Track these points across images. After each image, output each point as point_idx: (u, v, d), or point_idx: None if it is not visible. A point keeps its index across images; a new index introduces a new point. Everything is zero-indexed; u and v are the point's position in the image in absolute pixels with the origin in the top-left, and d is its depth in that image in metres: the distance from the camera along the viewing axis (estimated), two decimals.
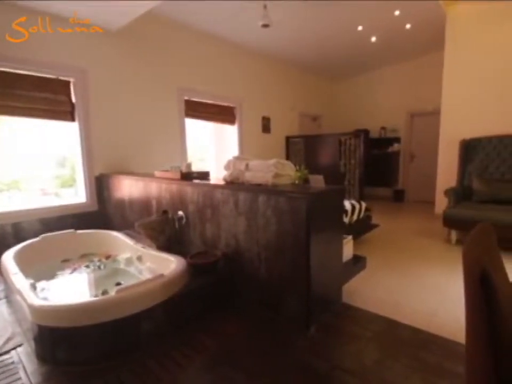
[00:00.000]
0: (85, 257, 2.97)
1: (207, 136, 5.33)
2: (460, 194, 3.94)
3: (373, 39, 5.03)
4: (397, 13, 4.26)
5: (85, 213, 3.52)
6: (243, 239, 2.24)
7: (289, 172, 2.32)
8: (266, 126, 5.78)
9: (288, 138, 6.25)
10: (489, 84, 4.41)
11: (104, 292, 2.24)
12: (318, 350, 1.77)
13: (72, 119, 3.40)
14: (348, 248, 2.64)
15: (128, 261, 2.69)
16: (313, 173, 2.27)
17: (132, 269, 2.66)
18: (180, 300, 2.00)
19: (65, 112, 3.35)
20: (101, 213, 3.66)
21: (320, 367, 1.64)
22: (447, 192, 3.93)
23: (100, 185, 3.62)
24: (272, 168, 2.23)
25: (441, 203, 4.54)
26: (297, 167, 2.47)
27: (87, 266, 2.78)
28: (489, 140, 4.11)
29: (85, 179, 3.53)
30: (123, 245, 2.92)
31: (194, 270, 2.25)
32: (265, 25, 3.60)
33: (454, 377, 1.54)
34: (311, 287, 1.91)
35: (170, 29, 4.15)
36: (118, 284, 2.39)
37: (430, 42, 5.30)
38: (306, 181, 2.27)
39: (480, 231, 1.02)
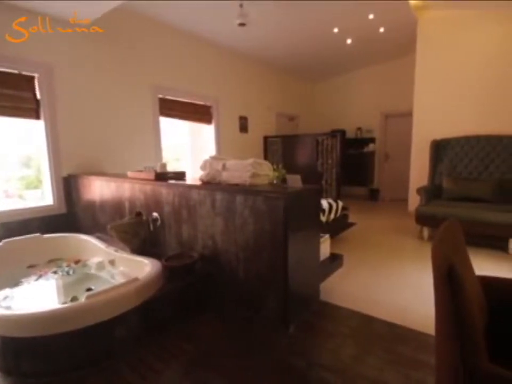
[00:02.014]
0: (52, 262, 2.82)
1: (183, 136, 5.22)
2: (431, 192, 4.09)
3: (349, 41, 5.13)
4: (371, 16, 4.36)
5: (52, 216, 3.33)
6: (221, 240, 2.22)
7: (267, 172, 2.31)
8: (243, 125, 5.75)
9: (266, 138, 6.26)
10: (457, 87, 4.62)
11: (74, 299, 2.15)
12: (297, 349, 1.79)
13: (37, 117, 3.21)
14: (325, 247, 2.67)
15: (100, 266, 2.57)
16: (291, 172, 2.27)
17: (103, 274, 2.55)
18: (155, 303, 1.96)
19: (30, 110, 3.15)
20: (70, 215, 3.48)
21: (299, 365, 1.65)
22: (419, 191, 4.07)
23: (68, 186, 3.45)
24: (249, 168, 2.21)
25: (414, 201, 4.70)
26: (275, 167, 2.47)
27: (55, 272, 2.63)
28: (457, 140, 4.30)
29: (52, 180, 3.34)
30: (94, 248, 2.79)
31: (170, 273, 2.21)
32: (242, 24, 3.57)
33: (427, 368, 1.59)
34: (289, 286, 1.92)
35: (144, 25, 4.02)
36: (89, 289, 2.30)
37: (402, 45, 5.48)
38: (284, 180, 2.27)
39: (447, 228, 1.06)
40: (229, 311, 2.19)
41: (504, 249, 3.30)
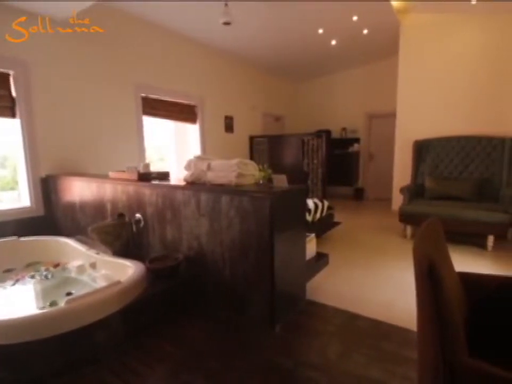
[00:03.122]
0: (30, 266, 2.71)
1: (168, 135, 5.14)
2: (414, 191, 4.18)
3: (333, 42, 5.18)
4: (355, 18, 4.42)
5: (30, 219, 3.20)
6: (206, 241, 2.20)
7: (253, 172, 2.29)
8: (229, 125, 5.72)
9: (252, 138, 6.25)
10: (439, 89, 4.74)
11: (53, 304, 2.08)
12: (283, 348, 1.79)
13: (13, 115, 3.08)
14: (311, 246, 2.68)
15: (80, 269, 2.49)
16: (277, 172, 2.28)
17: (84, 277, 2.47)
18: (139, 306, 1.92)
19: (4, 108, 3.02)
20: (48, 218, 3.36)
21: (286, 365, 1.66)
22: (402, 190, 4.15)
23: (46, 187, 3.32)
24: (235, 168, 2.19)
25: (397, 200, 4.80)
26: (261, 167, 2.46)
27: (33, 277, 2.53)
28: (439, 141, 4.41)
29: (29, 181, 3.21)
30: (74, 251, 2.70)
31: (154, 275, 2.18)
32: (227, 23, 3.54)
33: (410, 363, 1.62)
34: (276, 286, 1.92)
35: (127, 22, 3.92)
36: (69, 293, 2.23)
37: (386, 47, 5.58)
38: (270, 180, 2.27)
39: (428, 226, 1.09)
40: (214, 313, 2.16)
41: (483, 246, 3.41)
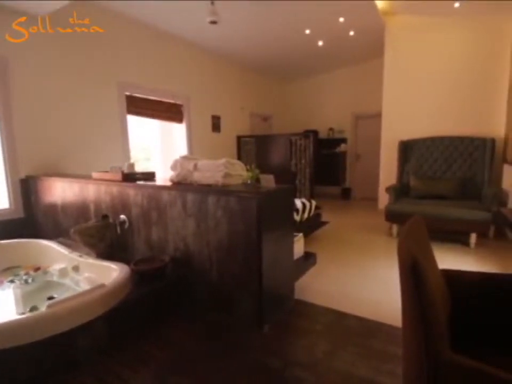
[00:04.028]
0: (9, 270, 2.62)
1: (153, 135, 5.06)
2: (399, 191, 4.25)
3: (320, 43, 5.22)
4: (341, 19, 4.46)
5: (8, 221, 3.08)
6: (193, 242, 2.17)
7: (240, 172, 2.28)
8: (216, 125, 5.68)
9: (239, 138, 6.22)
10: (423, 90, 4.84)
11: (33, 309, 2.01)
12: (272, 348, 1.79)
13: None
14: (299, 246, 2.68)
15: (63, 272, 2.42)
16: (265, 172, 2.27)
17: (67, 281, 2.40)
18: (124, 310, 1.88)
19: None
20: (29, 220, 3.25)
21: (274, 365, 1.65)
22: (388, 189, 4.21)
23: (26, 188, 3.21)
24: (221, 168, 2.17)
25: (383, 199, 4.87)
26: (249, 167, 2.45)
27: (12, 281, 2.44)
28: (423, 141, 4.50)
29: (8, 182, 3.09)
30: (56, 254, 2.62)
31: (140, 277, 2.13)
32: (213, 22, 3.52)
33: (396, 360, 1.64)
34: (264, 286, 1.91)
35: (110, 19, 3.83)
36: (50, 298, 2.16)
37: (372, 49, 5.65)
38: (258, 180, 2.26)
39: (412, 224, 1.11)
40: (202, 314, 2.14)
41: (466, 243, 3.49)
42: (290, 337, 1.92)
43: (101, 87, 3.81)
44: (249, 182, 2.29)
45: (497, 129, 4.23)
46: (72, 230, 2.42)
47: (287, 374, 1.59)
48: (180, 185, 2.28)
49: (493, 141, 4.00)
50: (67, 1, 2.86)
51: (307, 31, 4.77)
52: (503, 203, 3.62)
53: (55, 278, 2.47)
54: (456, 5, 3.96)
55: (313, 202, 3.82)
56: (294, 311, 2.19)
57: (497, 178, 4.16)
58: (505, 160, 3.91)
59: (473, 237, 3.44)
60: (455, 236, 3.67)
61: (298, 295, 2.35)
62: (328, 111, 7.12)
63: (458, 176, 4.14)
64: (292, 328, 2.00)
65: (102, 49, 3.79)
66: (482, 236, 3.54)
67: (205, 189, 2.08)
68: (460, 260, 3.09)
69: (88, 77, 3.67)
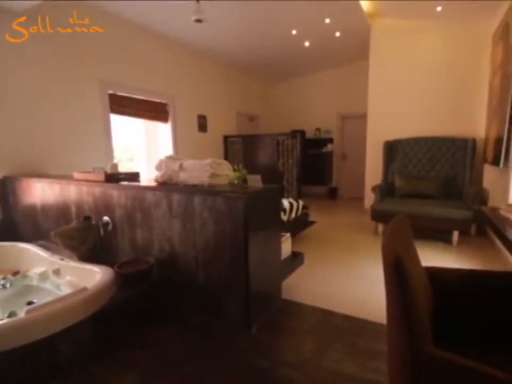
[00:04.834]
0: None
1: (138, 135, 4.97)
2: (385, 190, 4.31)
3: (307, 43, 5.24)
4: (327, 21, 4.49)
5: None
6: (179, 243, 2.14)
7: (227, 172, 2.26)
8: (202, 124, 5.62)
9: (226, 138, 6.19)
10: (407, 91, 4.93)
11: (12, 314, 1.92)
12: (260, 349, 1.79)
13: None
14: (286, 246, 2.68)
15: (43, 276, 2.34)
16: (252, 172, 2.26)
17: (47, 285, 2.32)
18: (108, 313, 1.84)
19: None
20: (6, 222, 3.12)
21: (262, 365, 1.65)
22: (373, 189, 4.27)
23: (3, 190, 3.09)
24: (208, 168, 2.15)
25: (369, 199, 4.93)
26: (236, 167, 2.43)
27: None
28: (408, 141, 4.58)
29: None
30: (35, 258, 2.53)
31: (124, 280, 2.08)
32: (198, 20, 3.47)
33: (382, 356, 1.66)
34: (251, 286, 1.90)
35: (90, 14, 3.71)
36: (30, 303, 2.08)
37: (358, 50, 5.72)
38: (245, 181, 2.24)
39: (396, 223, 1.13)
40: (189, 316, 2.11)
41: (449, 241, 3.58)
42: (279, 337, 1.92)
43: (82, 85, 3.70)
44: (236, 182, 2.27)
45: (478, 130, 4.36)
46: (52, 233, 2.35)
47: (275, 374, 1.59)
48: (165, 185, 2.24)
49: (474, 141, 4.11)
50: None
51: (294, 31, 4.78)
52: (484, 202, 3.73)
53: (34, 282, 2.38)
54: (439, 8, 4.05)
55: (301, 202, 3.83)
56: (281, 310, 2.19)
57: (478, 177, 4.29)
58: (485, 160, 4.03)
59: (455, 235, 3.53)
60: (438, 234, 3.75)
61: (286, 294, 2.35)
62: (315, 111, 7.17)
63: (441, 176, 4.24)
64: (279, 328, 2.00)
65: (83, 46, 3.68)
66: (464, 233, 3.63)
67: (191, 189, 2.06)
68: (443, 257, 3.16)
69: (69, 74, 3.55)
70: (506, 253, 2.92)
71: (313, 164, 6.80)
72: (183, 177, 2.24)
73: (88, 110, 3.77)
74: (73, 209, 2.66)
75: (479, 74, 4.38)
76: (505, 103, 3.00)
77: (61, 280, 2.29)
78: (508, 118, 2.88)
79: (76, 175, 2.72)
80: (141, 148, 5.00)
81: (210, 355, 1.74)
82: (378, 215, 3.88)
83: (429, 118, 4.77)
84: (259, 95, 7.33)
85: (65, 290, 2.14)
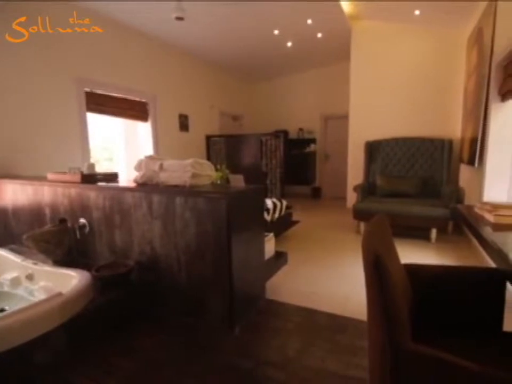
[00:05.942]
0: None
1: (116, 134, 4.83)
2: (366, 190, 4.39)
3: (289, 44, 5.26)
4: (309, 21, 4.52)
5: None
6: (160, 245, 2.08)
7: (209, 172, 2.22)
8: (184, 124, 5.54)
9: (208, 138, 6.12)
10: (387, 93, 5.04)
11: None
12: (243, 349, 1.77)
13: None
14: (270, 245, 2.67)
15: (14, 282, 2.22)
16: (236, 173, 2.23)
17: (20, 291, 2.22)
18: (85, 319, 1.78)
19: None
20: None
21: (245, 365, 1.64)
22: (355, 188, 4.34)
23: None
24: (189, 168, 2.10)
25: (351, 198, 5.01)
26: (218, 167, 2.40)
27: None
28: (388, 142, 4.68)
29: None
30: (6, 263, 2.40)
31: (103, 284, 2.01)
32: (179, 18, 3.41)
33: (363, 353, 1.68)
34: (234, 287, 1.88)
35: (66, 10, 3.58)
36: (1, 310, 2.01)
37: (340, 51, 5.79)
38: (228, 181, 2.22)
39: (376, 222, 1.15)
40: (171, 319, 2.07)
41: (427, 238, 3.68)
42: (262, 337, 1.91)
43: (57, 83, 3.55)
44: (218, 182, 2.24)
45: (455, 131, 4.51)
46: (24, 236, 2.23)
47: (258, 374, 1.58)
48: (145, 186, 2.18)
49: (450, 142, 4.25)
50: None
51: (276, 32, 4.79)
52: (460, 200, 3.86)
53: (6, 289, 2.26)
54: (417, 12, 4.15)
55: (284, 202, 3.84)
56: (265, 311, 2.18)
57: (454, 177, 4.44)
58: (461, 160, 4.17)
59: (433, 232, 3.63)
60: (417, 232, 3.85)
61: (269, 294, 2.34)
62: (298, 112, 7.21)
63: (420, 175, 4.36)
64: (263, 328, 1.99)
65: (59, 43, 3.53)
66: (442, 231, 3.74)
67: (172, 190, 2.01)
68: (422, 254, 3.24)
69: (42, 72, 3.40)
70: (481, 249, 3.02)
71: (297, 164, 6.84)
72: (164, 177, 2.19)
73: (63, 108, 3.62)
74: (48, 212, 2.55)
75: (455, 77, 4.53)
76: (479, 104, 3.11)
77: (34, 285, 2.19)
78: (481, 119, 2.99)
79: (50, 176, 2.60)
80: (120, 148, 4.87)
81: (191, 357, 1.71)
82: (360, 214, 3.94)
83: (408, 119, 4.89)
84: (242, 94, 7.30)
85: (39, 296, 2.05)
